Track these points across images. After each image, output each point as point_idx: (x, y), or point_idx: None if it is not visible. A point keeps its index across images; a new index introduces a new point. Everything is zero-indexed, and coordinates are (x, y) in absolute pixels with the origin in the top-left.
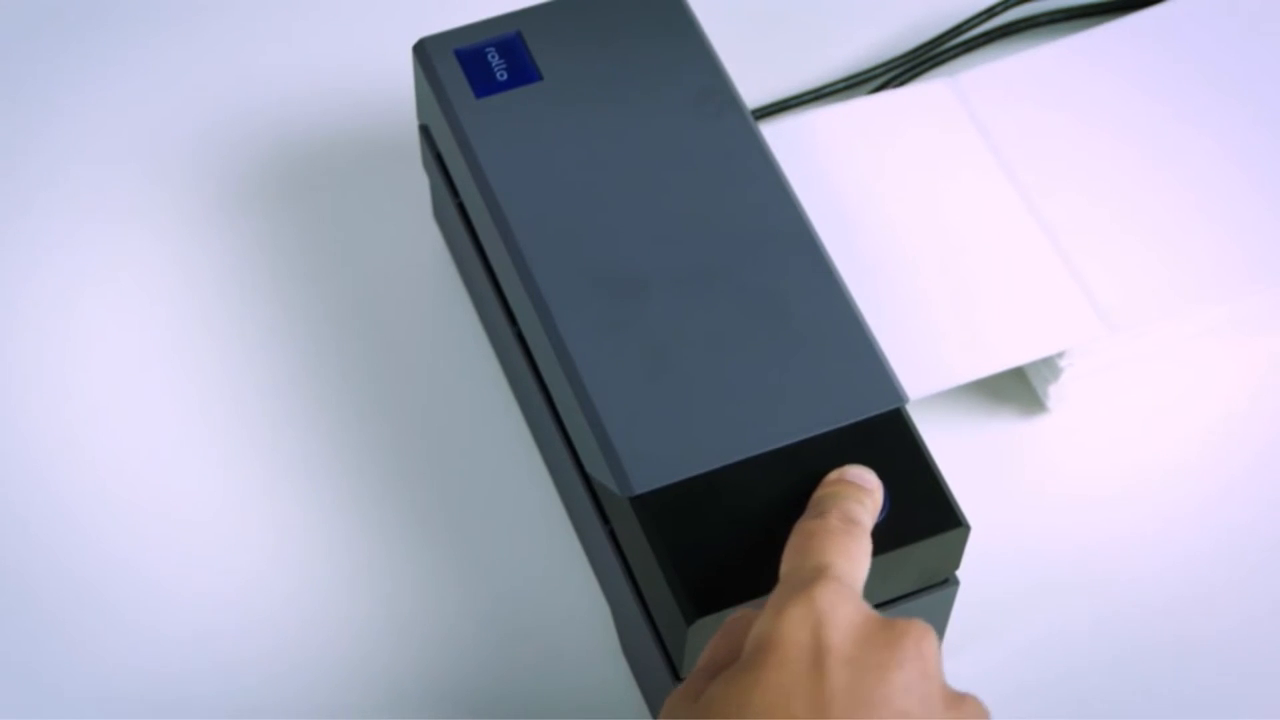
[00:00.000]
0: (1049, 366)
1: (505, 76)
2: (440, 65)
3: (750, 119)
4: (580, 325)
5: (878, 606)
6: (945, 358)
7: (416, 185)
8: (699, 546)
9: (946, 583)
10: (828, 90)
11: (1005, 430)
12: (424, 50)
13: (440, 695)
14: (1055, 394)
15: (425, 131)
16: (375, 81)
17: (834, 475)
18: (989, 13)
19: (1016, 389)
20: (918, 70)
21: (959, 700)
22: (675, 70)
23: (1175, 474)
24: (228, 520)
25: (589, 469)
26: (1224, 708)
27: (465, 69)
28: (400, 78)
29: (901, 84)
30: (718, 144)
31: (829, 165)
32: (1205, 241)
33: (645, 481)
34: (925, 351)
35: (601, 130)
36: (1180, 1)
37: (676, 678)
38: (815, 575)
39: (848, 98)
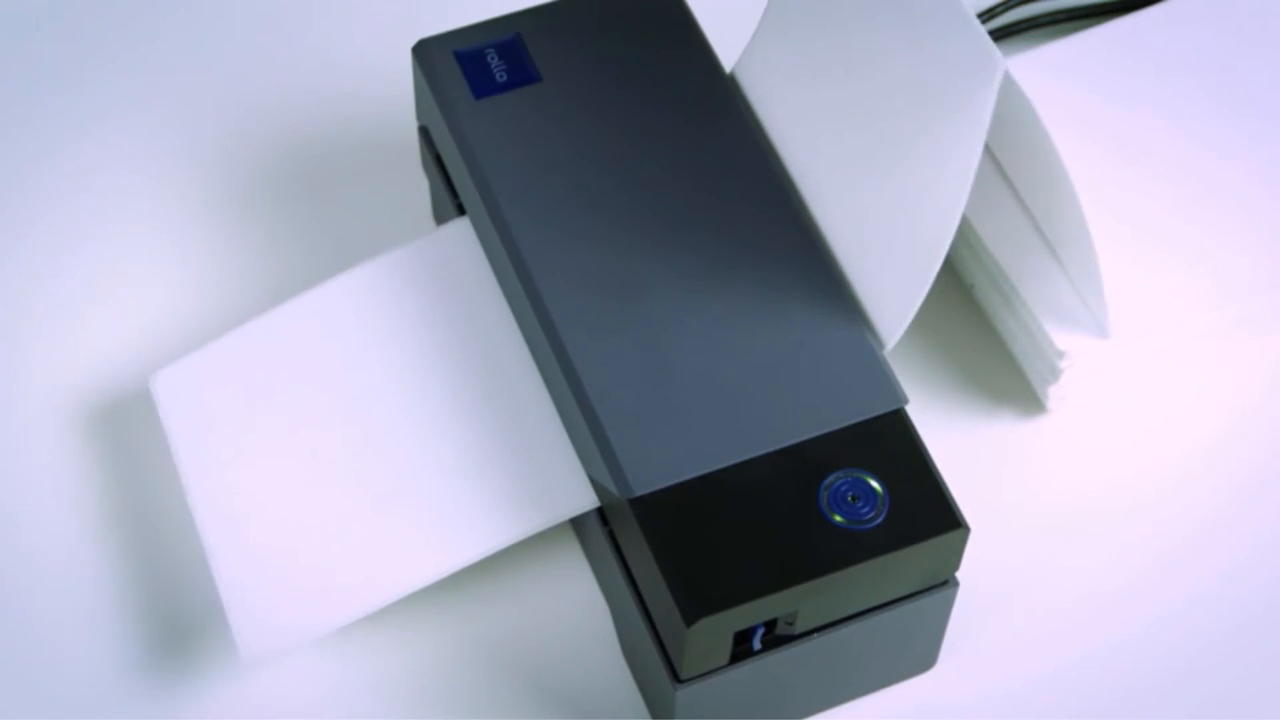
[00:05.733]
0: (1049, 367)
1: (505, 78)
2: (440, 66)
3: (750, 120)
4: (580, 326)
5: (877, 609)
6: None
7: (416, 185)
8: (699, 548)
9: (946, 584)
10: None
11: (1005, 431)
12: (423, 51)
13: (440, 695)
14: (1055, 395)
15: (425, 133)
16: (375, 82)
17: None
18: (989, 13)
19: (1016, 389)
20: None
21: None
22: (675, 71)
23: (1176, 476)
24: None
25: (589, 470)
26: (1225, 711)
27: (465, 70)
28: (400, 78)
29: None
30: (718, 145)
31: None
32: (1209, 242)
33: (645, 483)
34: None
35: (601, 131)
36: (1180, 1)
37: (677, 679)
38: None
39: None
